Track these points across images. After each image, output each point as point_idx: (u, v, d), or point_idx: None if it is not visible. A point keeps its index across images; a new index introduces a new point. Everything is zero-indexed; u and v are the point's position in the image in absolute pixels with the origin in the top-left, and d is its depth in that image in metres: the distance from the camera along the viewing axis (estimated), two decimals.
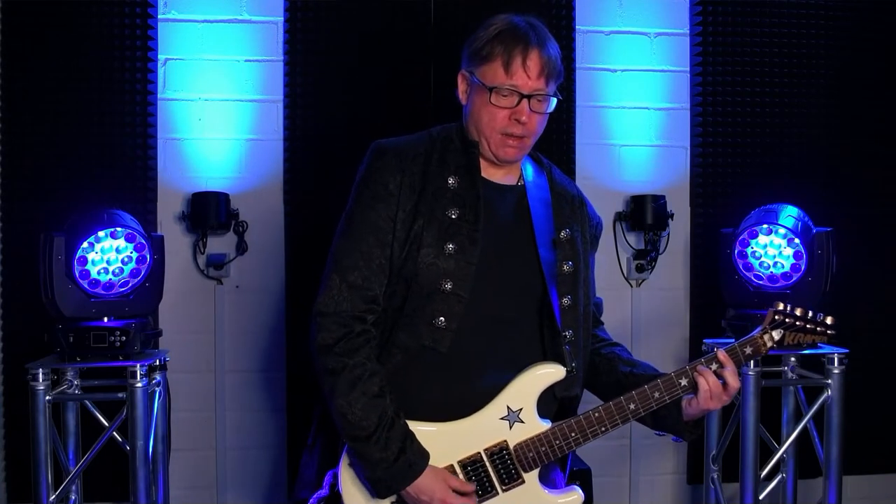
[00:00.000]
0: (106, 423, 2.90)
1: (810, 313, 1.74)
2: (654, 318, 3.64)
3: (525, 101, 1.72)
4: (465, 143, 1.80)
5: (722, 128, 3.64)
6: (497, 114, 1.73)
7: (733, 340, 3.08)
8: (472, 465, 1.73)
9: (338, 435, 1.74)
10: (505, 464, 1.73)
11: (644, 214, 3.54)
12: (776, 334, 1.74)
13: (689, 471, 3.70)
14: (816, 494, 3.28)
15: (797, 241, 3.06)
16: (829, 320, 1.74)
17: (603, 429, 1.73)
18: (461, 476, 1.72)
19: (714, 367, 1.74)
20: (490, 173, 1.81)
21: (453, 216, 1.72)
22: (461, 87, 1.81)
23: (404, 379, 1.72)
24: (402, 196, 1.73)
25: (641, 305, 3.66)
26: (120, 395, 2.81)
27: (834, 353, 3.04)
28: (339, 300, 1.70)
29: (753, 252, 3.12)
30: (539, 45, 1.72)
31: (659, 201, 3.55)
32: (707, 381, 1.73)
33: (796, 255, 3.07)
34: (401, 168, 1.75)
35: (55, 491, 2.82)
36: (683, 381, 1.74)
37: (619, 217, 3.62)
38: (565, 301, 1.79)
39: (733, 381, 1.74)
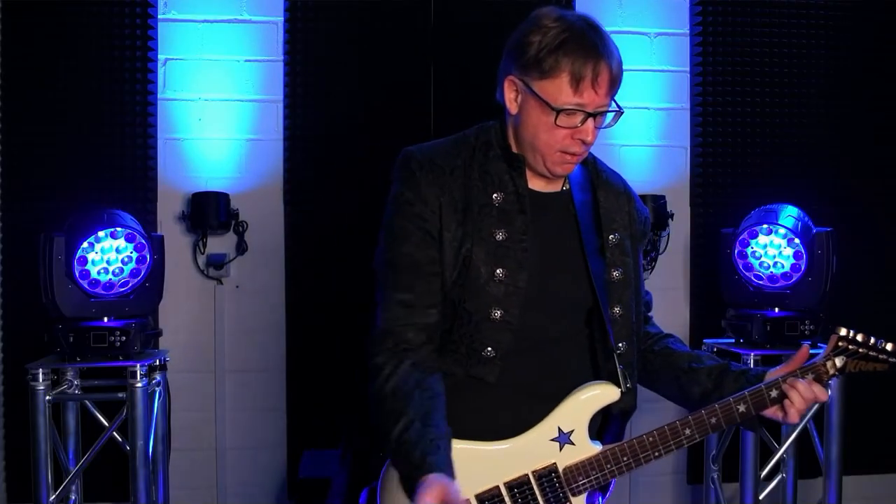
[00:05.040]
0: (106, 423, 2.90)
1: (872, 339, 1.66)
2: (654, 317, 3.63)
3: (590, 119, 1.58)
4: (507, 154, 1.68)
5: (722, 128, 3.64)
6: (558, 133, 1.59)
7: (732, 340, 3.13)
8: (518, 488, 1.63)
9: (366, 449, 1.68)
10: (553, 487, 1.63)
11: None
12: (839, 361, 1.67)
13: (689, 471, 3.70)
14: (816, 494, 3.28)
15: (797, 241, 3.06)
16: (889, 347, 1.66)
17: (657, 454, 1.64)
18: (507, 499, 1.63)
19: (774, 393, 1.67)
20: (535, 182, 1.70)
21: (500, 238, 1.62)
22: (508, 94, 1.64)
23: (447, 405, 1.61)
24: (444, 215, 1.62)
25: None
26: (120, 395, 2.81)
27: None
28: (391, 321, 1.62)
29: (753, 252, 3.12)
30: (609, 57, 1.58)
31: (659, 201, 3.54)
32: (798, 410, 1.67)
33: (796, 255, 3.06)
34: (439, 184, 1.63)
35: (55, 491, 2.82)
36: (741, 408, 1.65)
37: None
38: (616, 310, 1.71)
39: (824, 395, 1.68)
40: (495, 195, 1.65)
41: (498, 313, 1.61)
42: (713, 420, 1.65)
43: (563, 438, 1.64)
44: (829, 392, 2.94)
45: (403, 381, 1.58)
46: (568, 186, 1.75)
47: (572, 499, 1.64)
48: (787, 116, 3.64)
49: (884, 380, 3.64)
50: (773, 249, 3.11)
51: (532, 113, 1.61)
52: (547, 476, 1.63)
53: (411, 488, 1.50)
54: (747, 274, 3.13)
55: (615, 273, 1.72)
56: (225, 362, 3.49)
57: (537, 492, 1.63)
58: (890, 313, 3.65)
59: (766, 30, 3.63)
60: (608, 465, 1.64)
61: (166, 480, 3.11)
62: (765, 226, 3.11)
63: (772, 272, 3.10)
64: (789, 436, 3.16)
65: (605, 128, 1.66)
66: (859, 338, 1.65)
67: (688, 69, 3.68)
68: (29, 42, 3.33)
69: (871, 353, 1.66)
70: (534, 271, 1.64)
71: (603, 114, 1.61)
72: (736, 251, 3.14)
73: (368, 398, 1.63)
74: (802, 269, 3.05)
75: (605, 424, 1.73)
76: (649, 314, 1.97)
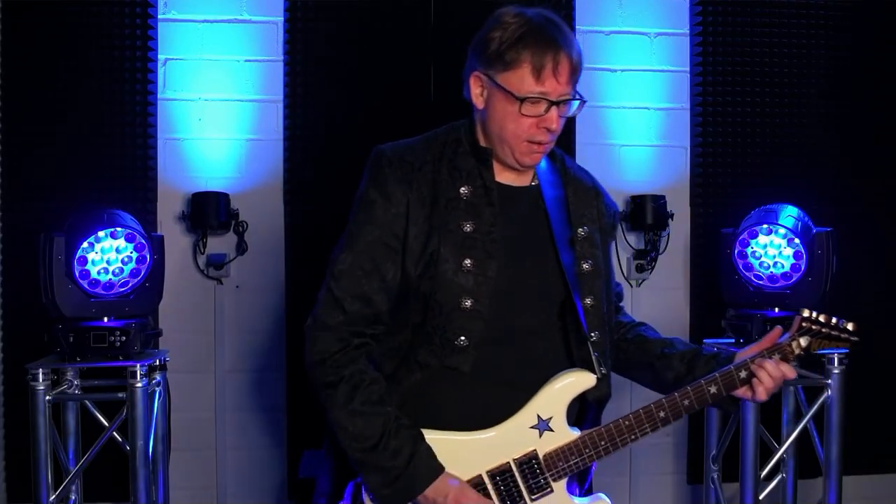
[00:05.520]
0: (106, 423, 2.89)
1: (834, 319, 1.74)
2: (654, 318, 3.57)
3: (554, 107, 1.64)
4: (475, 149, 1.73)
5: (722, 128, 3.64)
6: (524, 122, 1.65)
7: (732, 340, 3.13)
8: (500, 475, 1.68)
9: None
10: (534, 473, 1.69)
11: (644, 214, 3.53)
12: (803, 341, 1.74)
13: (689, 471, 3.70)
14: (816, 494, 3.28)
15: (797, 241, 3.06)
16: (850, 326, 1.75)
17: (633, 437, 1.71)
18: (489, 486, 1.68)
19: (743, 374, 1.72)
20: (504, 176, 1.75)
21: (468, 229, 1.66)
22: (475, 90, 1.70)
23: (424, 397, 1.68)
24: (411, 211, 1.65)
25: (641, 305, 3.66)
26: (120, 395, 2.81)
27: (834, 353, 3.04)
28: (335, 315, 1.65)
29: (753, 252, 3.12)
30: (568, 47, 1.63)
31: (659, 201, 3.54)
32: (766, 389, 1.71)
33: (796, 255, 3.07)
34: (407, 180, 1.66)
35: (55, 491, 2.82)
36: (713, 389, 1.71)
37: (619, 217, 3.63)
38: (588, 301, 1.74)
39: (792, 373, 1.73)
40: (463, 189, 1.69)
41: (468, 303, 1.65)
42: (686, 402, 1.71)
43: (543, 425, 1.69)
44: (830, 382, 2.98)
45: (370, 383, 1.64)
46: (537, 182, 1.79)
47: (553, 484, 1.70)
48: (787, 116, 3.64)
49: (884, 380, 3.67)
50: (773, 249, 3.11)
51: (498, 105, 1.66)
52: (528, 462, 1.69)
53: (429, 479, 1.62)
54: (747, 274, 3.13)
55: (585, 265, 1.76)
56: (225, 362, 3.49)
57: (518, 478, 1.69)
58: (890, 313, 3.66)
59: (766, 30, 3.63)
60: (587, 450, 1.69)
61: (166, 480, 3.10)
62: (765, 226, 3.11)
63: (772, 272, 3.10)
64: (789, 436, 3.16)
65: (569, 116, 1.71)
66: (822, 318, 1.74)
67: (688, 69, 3.69)
68: (29, 42, 3.33)
69: (833, 332, 1.74)
70: (504, 262, 1.68)
71: (566, 102, 1.67)
72: (736, 251, 3.14)
73: (329, 402, 1.65)
74: (802, 269, 3.05)
75: (581, 414, 1.78)
76: (621, 304, 2.02)
